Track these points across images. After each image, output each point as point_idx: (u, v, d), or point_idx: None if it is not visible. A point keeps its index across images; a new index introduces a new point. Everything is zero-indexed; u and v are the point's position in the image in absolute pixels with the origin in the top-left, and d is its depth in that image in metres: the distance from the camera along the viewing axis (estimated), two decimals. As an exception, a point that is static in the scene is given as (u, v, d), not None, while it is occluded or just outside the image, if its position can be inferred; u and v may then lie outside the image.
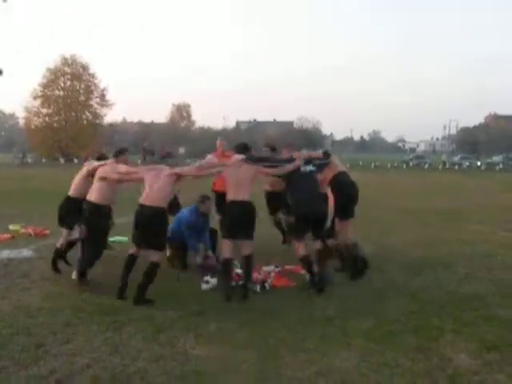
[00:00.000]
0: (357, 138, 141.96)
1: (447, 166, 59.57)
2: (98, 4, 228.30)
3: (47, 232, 10.30)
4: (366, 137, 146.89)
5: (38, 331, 4.97)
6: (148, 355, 4.48)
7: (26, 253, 8.39)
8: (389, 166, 58.08)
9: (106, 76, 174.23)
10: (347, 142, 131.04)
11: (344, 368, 4.34)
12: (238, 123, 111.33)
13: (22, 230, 10.34)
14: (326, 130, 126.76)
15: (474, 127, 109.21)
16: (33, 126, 64.09)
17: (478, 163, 59.87)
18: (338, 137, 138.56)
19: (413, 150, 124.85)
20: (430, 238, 10.64)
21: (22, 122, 72.33)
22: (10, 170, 36.29)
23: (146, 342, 4.76)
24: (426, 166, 59.69)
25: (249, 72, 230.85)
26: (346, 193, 7.51)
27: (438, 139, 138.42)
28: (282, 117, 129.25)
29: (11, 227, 10.56)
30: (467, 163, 61.47)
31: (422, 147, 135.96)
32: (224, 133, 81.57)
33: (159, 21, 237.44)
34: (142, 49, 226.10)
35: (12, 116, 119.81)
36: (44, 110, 64.97)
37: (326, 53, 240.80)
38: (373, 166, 56.78)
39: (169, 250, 7.59)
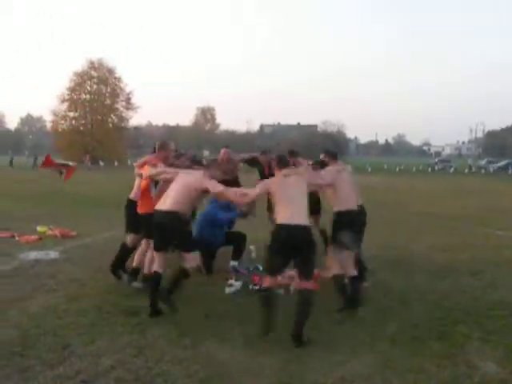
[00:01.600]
0: (382, 141, 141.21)
1: (473, 169, 58.87)
2: (126, 7, 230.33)
3: (74, 233, 10.44)
4: (390, 140, 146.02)
5: (64, 332, 5.03)
6: (172, 358, 4.51)
7: (52, 254, 8.49)
8: (414, 169, 57.63)
9: (131, 79, 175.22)
10: (372, 146, 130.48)
11: (368, 373, 4.31)
12: (261, 126, 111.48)
13: (49, 232, 10.48)
14: (350, 133, 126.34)
15: (502, 130, 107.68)
16: (60, 130, 65.10)
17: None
18: (363, 140, 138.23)
19: (438, 153, 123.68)
20: (455, 242, 10.51)
21: (49, 125, 73.40)
22: (36, 173, 36.80)
23: (170, 345, 4.79)
24: (452, 169, 59.08)
25: (274, 75, 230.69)
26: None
27: (464, 143, 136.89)
28: (306, 120, 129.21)
29: (39, 228, 10.71)
30: (494, 167, 60.65)
31: (447, 151, 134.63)
32: (248, 136, 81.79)
33: (184, 24, 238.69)
34: (167, 52, 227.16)
35: (39, 119, 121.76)
36: (71, 114, 65.97)
37: (346, 53, 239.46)
38: (397, 169, 56.40)
39: None
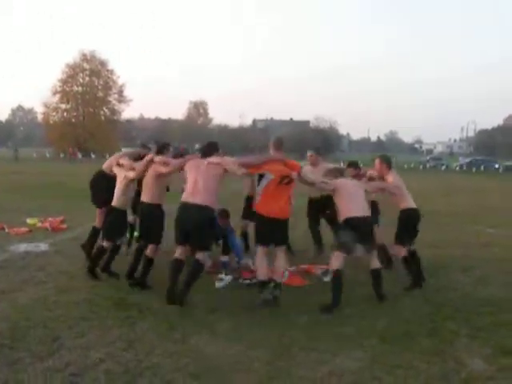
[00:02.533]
0: (374, 138, 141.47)
1: (464, 168, 59.11)
2: (125, 4, 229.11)
3: (64, 226, 10.40)
4: (382, 137, 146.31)
5: (54, 324, 5.01)
6: (161, 351, 4.51)
7: (42, 247, 8.46)
8: (405, 166, 57.77)
9: (124, 72, 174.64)
10: (364, 143, 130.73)
11: (357, 369, 4.32)
12: (254, 121, 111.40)
13: (39, 224, 10.44)
14: (342, 130, 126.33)
15: (493, 129, 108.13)
16: (51, 122, 64.78)
17: (496, 166, 59.25)
18: (355, 137, 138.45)
19: (430, 151, 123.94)
20: (446, 239, 10.57)
21: (40, 117, 72.98)
22: (29, 165, 36.59)
23: (160, 338, 4.78)
24: (443, 167, 59.28)
25: (267, 70, 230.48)
26: None
27: (455, 141, 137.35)
28: (299, 116, 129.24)
29: (29, 221, 10.66)
30: (484, 165, 60.94)
31: (439, 149, 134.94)
32: (240, 130, 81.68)
33: (175, 19, 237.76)
34: (159, 46, 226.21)
35: (31, 111, 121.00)
36: (62, 106, 65.68)
37: (344, 52, 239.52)
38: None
39: None
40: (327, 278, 6.98)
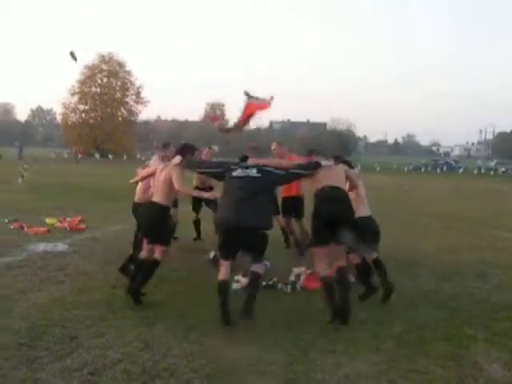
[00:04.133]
0: (391, 141, 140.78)
1: (482, 171, 58.63)
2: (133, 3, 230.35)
3: (82, 226, 10.50)
4: (399, 140, 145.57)
5: (72, 324, 5.07)
6: (178, 352, 4.54)
7: (61, 247, 8.54)
8: (422, 169, 57.47)
9: (141, 74, 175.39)
10: (381, 145, 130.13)
11: (373, 373, 4.32)
12: (271, 123, 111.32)
13: (58, 224, 10.54)
14: (359, 132, 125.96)
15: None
16: (70, 122, 65.27)
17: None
18: (372, 139, 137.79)
19: (447, 154, 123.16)
20: (463, 244, 10.50)
21: (59, 117, 73.66)
22: (48, 166, 36.93)
23: (177, 339, 4.81)
24: (460, 170, 58.85)
25: (283, 74, 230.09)
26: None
27: (473, 144, 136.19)
28: (316, 118, 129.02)
29: (47, 221, 10.76)
30: (503, 169, 60.39)
31: (456, 152, 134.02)
32: (257, 132, 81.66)
33: (195, 20, 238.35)
34: (178, 48, 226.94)
35: (50, 112, 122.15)
36: (81, 107, 66.14)
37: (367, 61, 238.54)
38: (406, 169, 56.27)
39: None
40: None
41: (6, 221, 10.50)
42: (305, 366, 4.43)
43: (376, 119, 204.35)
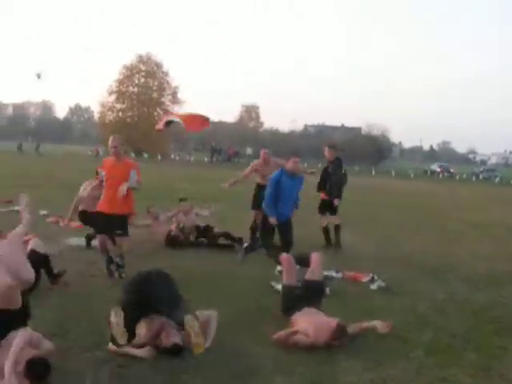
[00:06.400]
0: (426, 147, 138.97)
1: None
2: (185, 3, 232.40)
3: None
4: (435, 147, 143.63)
5: (103, 317, 5.14)
6: (205, 349, 4.53)
7: (94, 242, 8.65)
8: (457, 177, 56.60)
9: (178, 74, 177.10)
10: (416, 151, 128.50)
11: (400, 379, 4.29)
12: (305, 126, 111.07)
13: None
14: (394, 137, 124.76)
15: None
16: (106, 121, 66.19)
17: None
18: (407, 145, 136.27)
19: (484, 162, 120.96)
20: (498, 252, 10.32)
21: (96, 116, 74.74)
22: (81, 163, 37.51)
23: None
24: (497, 179, 57.72)
25: (320, 74, 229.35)
26: None
27: (511, 152, 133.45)
28: (351, 122, 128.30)
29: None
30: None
31: (493, 160, 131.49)
32: (291, 135, 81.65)
33: (227, 20, 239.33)
34: (214, 47, 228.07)
35: (87, 110, 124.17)
36: (118, 106, 67.01)
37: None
38: (440, 176, 55.51)
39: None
40: (374, 286, 6.96)
41: (45, 212, 10.75)
42: (331, 367, 4.42)
43: (412, 125, 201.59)
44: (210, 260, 8.14)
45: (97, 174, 7.81)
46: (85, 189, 8.40)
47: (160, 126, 10.18)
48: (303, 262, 6.06)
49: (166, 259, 7.80)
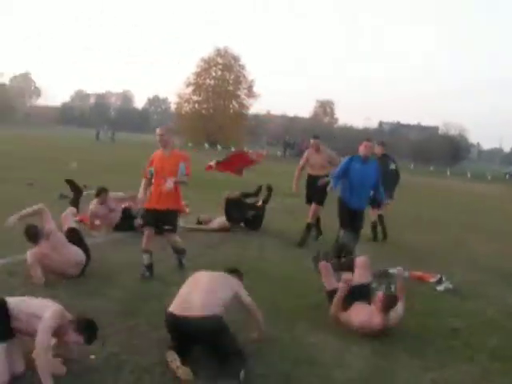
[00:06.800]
0: (507, 149, 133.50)
1: None
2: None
3: (187, 210, 10.90)
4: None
5: (169, 298, 5.32)
6: (267, 337, 4.64)
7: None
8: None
9: (254, 67, 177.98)
10: (495, 153, 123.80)
11: (463, 382, 4.23)
12: (380, 124, 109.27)
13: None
14: (472, 138, 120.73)
15: None
16: (183, 112, 67.63)
17: None
18: (486, 147, 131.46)
19: None
20: None
21: (173, 107, 76.43)
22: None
23: (267, 325, 4.81)
24: None
25: (398, 74, 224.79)
26: None
27: None
28: (427, 121, 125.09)
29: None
30: None
31: None
32: (365, 132, 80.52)
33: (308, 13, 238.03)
34: (292, 43, 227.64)
35: (165, 101, 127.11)
36: (194, 98, 68.26)
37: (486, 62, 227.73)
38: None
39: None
40: (441, 288, 6.83)
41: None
42: (390, 364, 4.41)
43: (492, 125, 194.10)
44: (275, 251, 8.23)
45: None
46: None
47: (212, 164, 10.70)
48: (345, 266, 5.95)
49: (230, 249, 7.99)
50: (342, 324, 5.11)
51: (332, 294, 5.36)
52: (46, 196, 10.33)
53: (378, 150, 10.07)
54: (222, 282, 4.46)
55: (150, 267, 6.28)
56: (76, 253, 5.95)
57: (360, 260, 5.67)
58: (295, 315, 5.33)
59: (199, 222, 9.85)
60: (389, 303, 4.96)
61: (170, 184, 6.03)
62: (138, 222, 8.31)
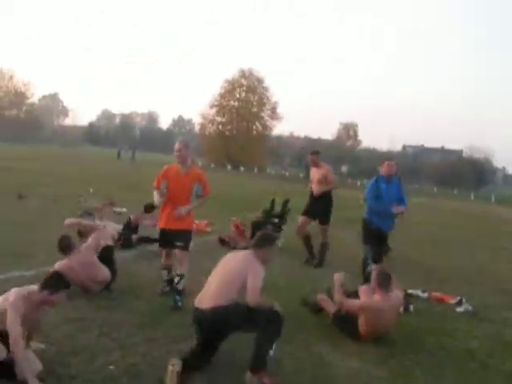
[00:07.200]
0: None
1: None
2: (279, 17, 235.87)
3: (209, 230, 11.04)
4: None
5: (190, 312, 5.42)
6: (286, 353, 4.69)
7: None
8: None
9: (278, 90, 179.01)
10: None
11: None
12: (404, 147, 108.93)
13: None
14: (498, 162, 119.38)
15: None
16: (207, 133, 68.35)
17: None
18: None
19: None
20: None
21: (197, 127, 77.24)
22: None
23: (285, 343, 4.78)
24: None
25: (419, 95, 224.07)
26: None
27: None
28: (451, 145, 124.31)
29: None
30: None
31: None
32: (389, 155, 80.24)
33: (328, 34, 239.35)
34: (314, 64, 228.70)
35: (189, 122, 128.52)
36: (218, 119, 69.04)
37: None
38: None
39: None
40: (461, 309, 6.82)
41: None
42: (406, 381, 4.43)
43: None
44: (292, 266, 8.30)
45: None
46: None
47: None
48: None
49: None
50: (348, 311, 5.36)
51: (336, 315, 5.53)
52: (68, 212, 10.56)
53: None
54: (240, 268, 4.41)
55: (170, 282, 6.22)
56: (103, 273, 6.10)
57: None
58: (313, 333, 5.38)
59: (222, 240, 9.94)
60: (383, 279, 5.25)
61: (181, 212, 5.86)
62: (135, 238, 8.57)
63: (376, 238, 7.31)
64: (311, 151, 9.29)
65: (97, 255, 6.22)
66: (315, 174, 8.91)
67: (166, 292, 6.19)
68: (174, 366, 3.93)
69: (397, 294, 5.46)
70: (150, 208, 8.92)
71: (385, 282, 5.24)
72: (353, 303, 5.38)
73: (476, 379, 4.70)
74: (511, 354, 5.46)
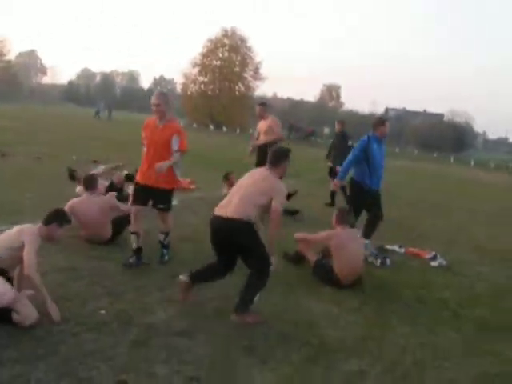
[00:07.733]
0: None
1: None
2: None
3: (193, 187, 11.17)
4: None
5: (174, 265, 5.64)
6: (266, 300, 4.83)
7: (173, 202, 9.11)
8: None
9: (261, 49, 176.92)
10: (501, 143, 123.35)
11: (450, 347, 4.50)
12: (386, 109, 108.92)
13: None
14: (478, 127, 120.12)
15: None
16: (189, 92, 67.61)
17: None
18: (491, 136, 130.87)
19: None
20: None
21: (179, 87, 76.42)
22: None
23: (265, 291, 5.01)
24: None
25: (412, 62, 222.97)
26: None
27: None
28: (433, 108, 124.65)
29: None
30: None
31: None
32: (371, 118, 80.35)
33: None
34: (298, 24, 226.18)
35: (171, 81, 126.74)
36: (200, 78, 68.29)
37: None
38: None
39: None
40: (435, 263, 7.09)
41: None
42: (381, 328, 4.73)
43: (499, 114, 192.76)
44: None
45: None
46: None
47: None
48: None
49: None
50: (323, 252, 5.96)
51: (317, 263, 5.91)
52: (54, 170, 10.61)
53: (338, 127, 11.60)
54: (263, 187, 4.61)
55: (138, 252, 5.71)
56: (106, 230, 6.28)
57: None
58: (293, 282, 5.65)
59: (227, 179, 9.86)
60: (341, 216, 5.95)
61: (161, 168, 5.42)
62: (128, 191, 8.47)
63: (371, 198, 7.22)
64: (258, 102, 9.71)
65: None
66: (262, 125, 9.10)
67: (131, 263, 5.59)
68: (181, 278, 4.56)
69: (355, 230, 6.21)
70: (132, 179, 8.92)
71: (343, 218, 5.92)
72: (318, 234, 6.01)
73: (448, 326, 4.97)
74: (481, 304, 5.77)
